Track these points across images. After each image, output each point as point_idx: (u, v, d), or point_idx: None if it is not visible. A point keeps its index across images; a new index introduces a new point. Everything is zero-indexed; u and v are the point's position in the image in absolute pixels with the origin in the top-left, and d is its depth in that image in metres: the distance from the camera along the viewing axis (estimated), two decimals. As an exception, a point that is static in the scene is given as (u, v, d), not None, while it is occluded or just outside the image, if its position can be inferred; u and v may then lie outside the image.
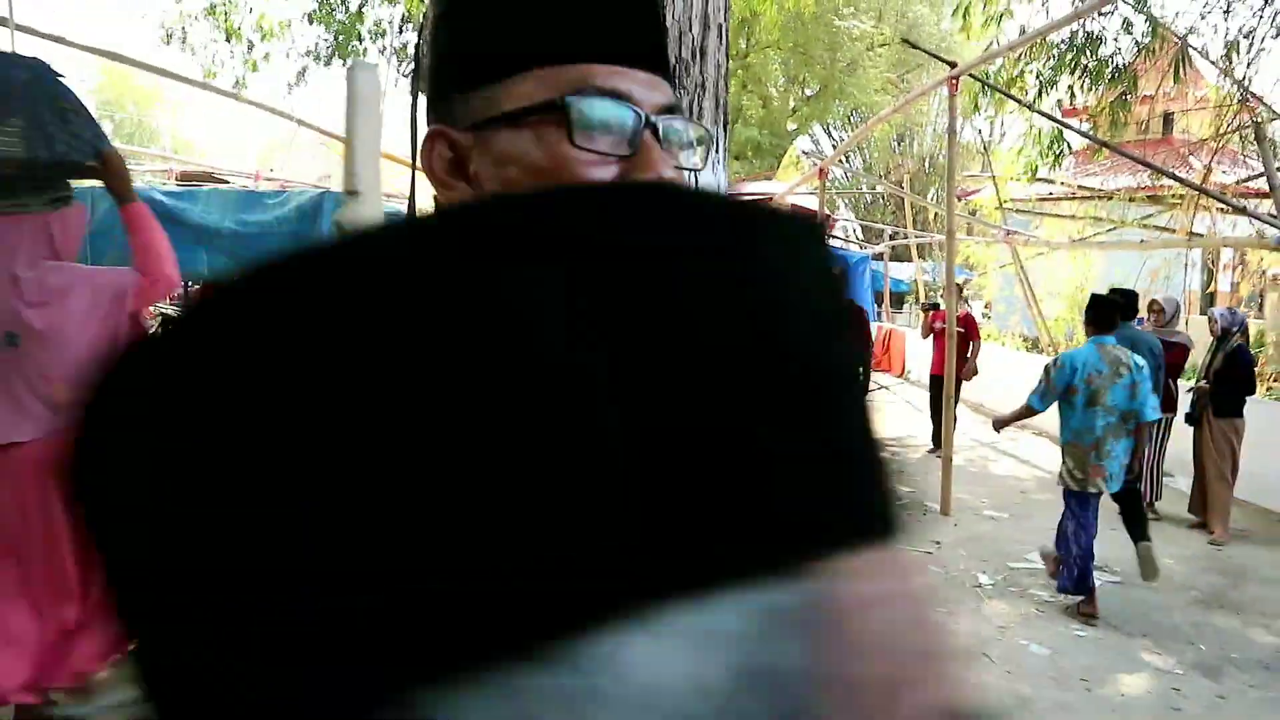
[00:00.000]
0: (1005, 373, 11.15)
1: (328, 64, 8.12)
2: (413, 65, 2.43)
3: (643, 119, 0.68)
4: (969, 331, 9.14)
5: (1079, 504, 4.90)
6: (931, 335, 9.27)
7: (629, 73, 0.68)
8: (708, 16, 2.11)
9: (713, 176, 2.18)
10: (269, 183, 9.91)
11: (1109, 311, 5.08)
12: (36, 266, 2.60)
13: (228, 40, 8.64)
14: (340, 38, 7.70)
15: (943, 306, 9.16)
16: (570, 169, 0.67)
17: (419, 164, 0.82)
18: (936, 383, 9.11)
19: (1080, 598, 4.95)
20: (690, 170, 0.74)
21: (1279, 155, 8.32)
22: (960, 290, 9.46)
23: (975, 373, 9.33)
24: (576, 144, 0.66)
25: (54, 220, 2.65)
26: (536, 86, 0.68)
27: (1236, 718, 3.86)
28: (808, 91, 24.41)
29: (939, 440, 9.09)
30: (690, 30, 2.07)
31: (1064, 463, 5.03)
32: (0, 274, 2.56)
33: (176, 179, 10.65)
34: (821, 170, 12.46)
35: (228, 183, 10.19)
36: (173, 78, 6.54)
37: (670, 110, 0.71)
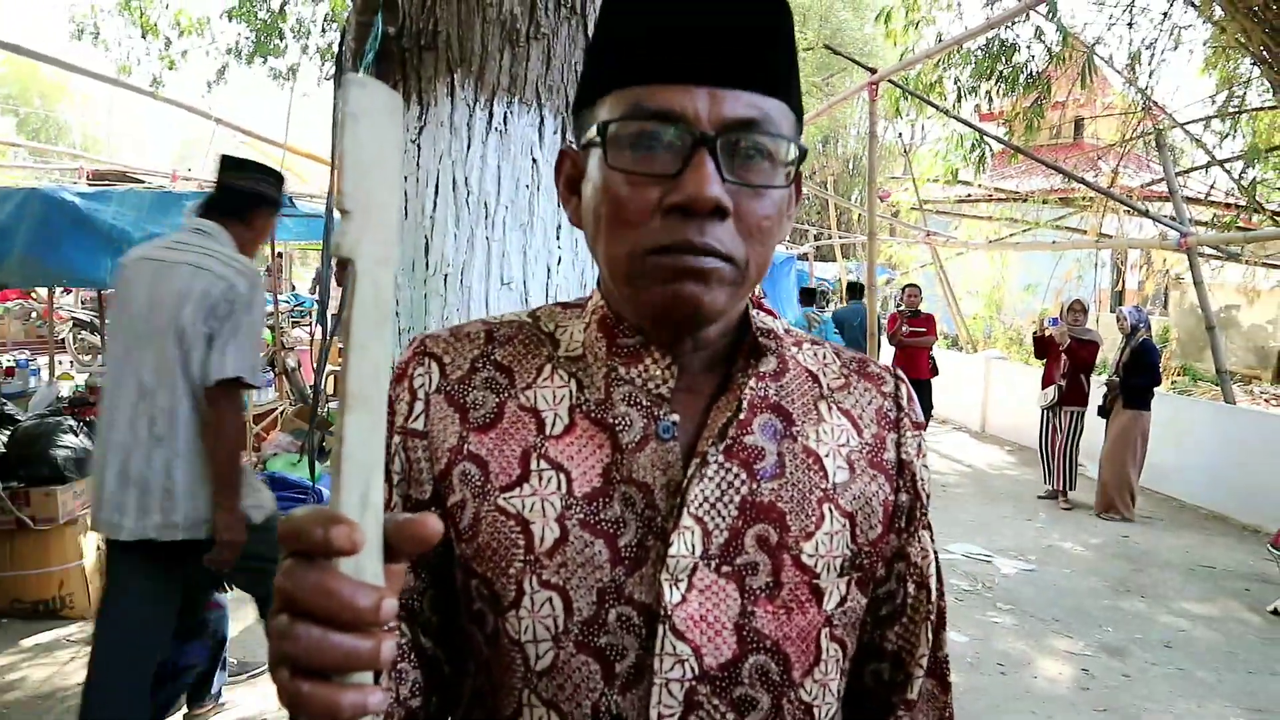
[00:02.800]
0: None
1: (249, 62, 7.93)
2: (335, 66, 2.42)
3: (693, 138, 0.67)
4: (929, 333, 9.09)
5: None
6: (897, 342, 9.05)
7: (692, 90, 0.67)
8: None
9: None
10: (186, 183, 9.63)
11: (810, 295, 11.42)
12: None
13: (144, 36, 8.38)
14: (261, 36, 7.54)
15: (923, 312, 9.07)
16: (613, 189, 0.70)
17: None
18: None
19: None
20: (767, 187, 0.70)
21: (1178, 161, 8.74)
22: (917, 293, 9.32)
23: (936, 373, 9.22)
24: (610, 165, 0.69)
25: None
26: (608, 109, 0.71)
27: (1141, 694, 4.07)
28: (735, 93, 24.59)
29: None
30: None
31: None
32: None
33: (88, 178, 10.27)
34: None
35: (142, 182, 9.86)
36: (84, 74, 6.33)
37: (746, 126, 0.68)
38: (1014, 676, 4.24)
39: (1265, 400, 13.63)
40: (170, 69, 8.50)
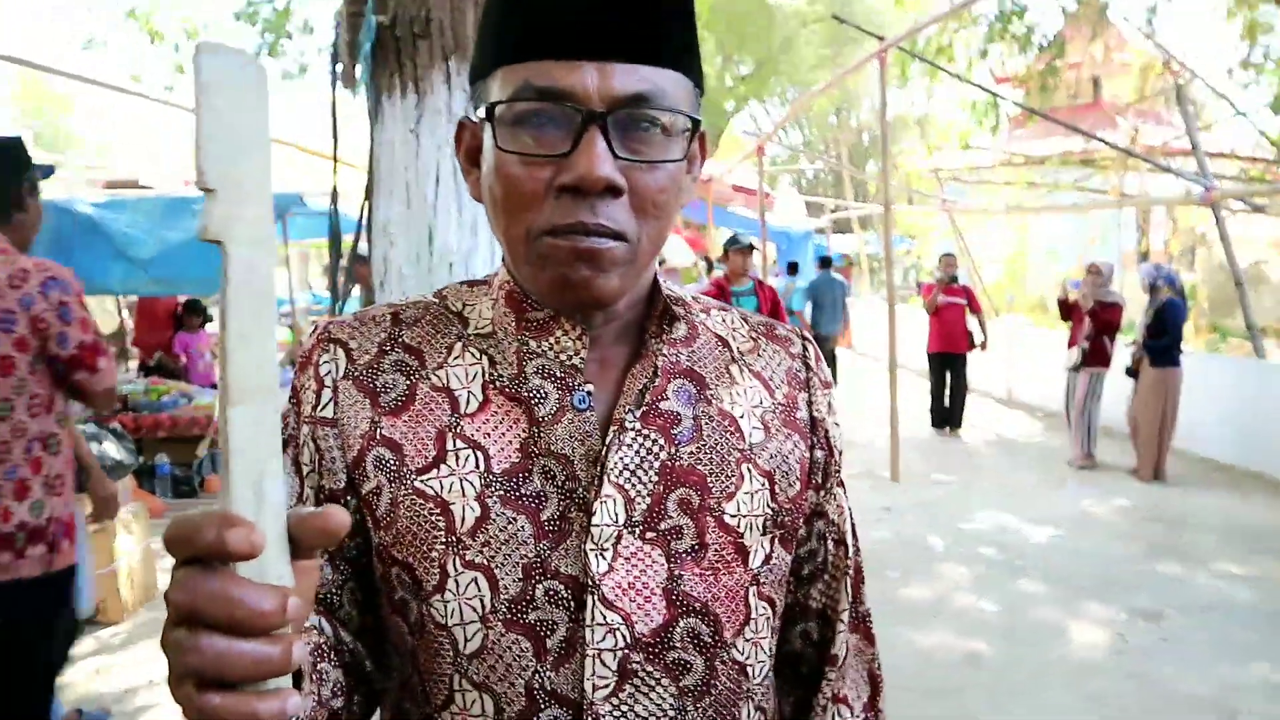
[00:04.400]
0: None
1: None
2: (332, 62, 2.40)
3: (582, 115, 0.66)
4: (971, 304, 9.03)
5: None
6: (935, 311, 8.98)
7: (581, 66, 0.66)
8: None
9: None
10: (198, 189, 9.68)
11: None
12: None
13: (151, 43, 8.41)
14: (269, 36, 7.53)
15: (960, 281, 9.01)
16: (505, 169, 0.69)
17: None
18: (937, 360, 8.93)
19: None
20: (664, 161, 0.69)
21: (1200, 116, 8.56)
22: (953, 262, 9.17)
23: (974, 346, 9.10)
24: (500, 147, 0.68)
25: None
26: (499, 85, 0.69)
27: (1180, 659, 4.02)
28: (743, 70, 24.47)
29: (943, 419, 9.01)
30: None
31: None
32: None
33: (103, 187, 10.36)
34: (759, 147, 12.54)
35: (152, 188, 9.94)
36: (93, 84, 6.37)
37: (637, 100, 0.67)
38: (1048, 646, 4.19)
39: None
40: (181, 74, 8.54)
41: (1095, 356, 7.50)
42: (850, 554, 0.87)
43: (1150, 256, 16.26)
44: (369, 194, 2.18)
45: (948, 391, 9.07)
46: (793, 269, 12.72)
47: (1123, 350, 7.59)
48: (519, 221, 0.69)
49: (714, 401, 0.78)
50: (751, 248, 6.61)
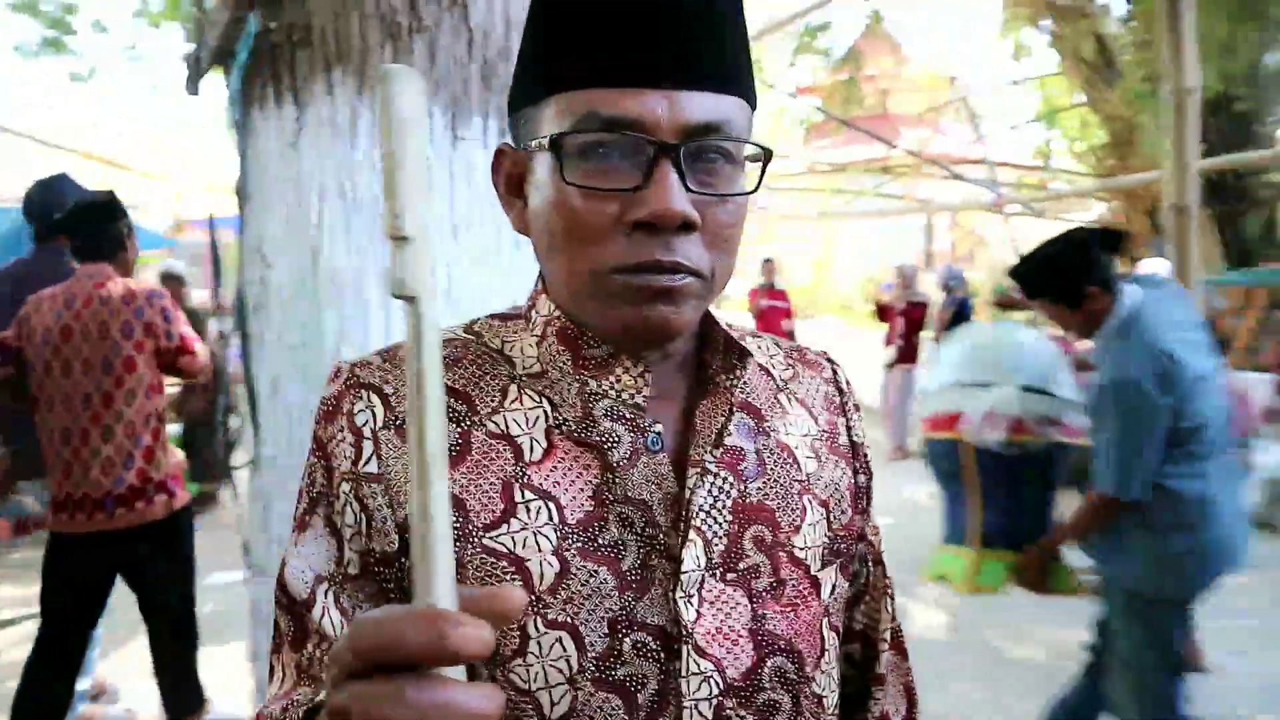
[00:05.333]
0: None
1: (37, 58, 7.15)
2: (190, 68, 2.22)
3: (654, 147, 0.63)
4: (788, 306, 9.36)
5: None
6: (759, 314, 9.22)
7: (648, 94, 0.63)
8: (509, 16, 2.08)
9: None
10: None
11: None
12: None
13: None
14: (53, 31, 6.80)
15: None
16: (570, 203, 0.65)
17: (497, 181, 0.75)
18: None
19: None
20: (734, 195, 0.67)
21: (979, 129, 9.40)
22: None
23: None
24: (568, 181, 0.64)
25: None
26: (557, 113, 0.65)
27: (1007, 628, 4.37)
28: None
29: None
30: (495, 31, 2.04)
31: None
32: None
33: None
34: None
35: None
36: None
37: (708, 131, 0.64)
38: (894, 626, 4.46)
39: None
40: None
41: (905, 354, 8.07)
42: (887, 572, 0.88)
43: (936, 257, 17.65)
44: (240, 211, 2.03)
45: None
46: None
47: (928, 346, 8.20)
48: (584, 257, 0.65)
49: (771, 434, 0.76)
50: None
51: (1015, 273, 2.66)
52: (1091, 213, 11.76)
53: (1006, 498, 3.93)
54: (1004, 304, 7.98)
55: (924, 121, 14.40)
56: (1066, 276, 2.47)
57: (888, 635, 0.88)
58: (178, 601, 3.03)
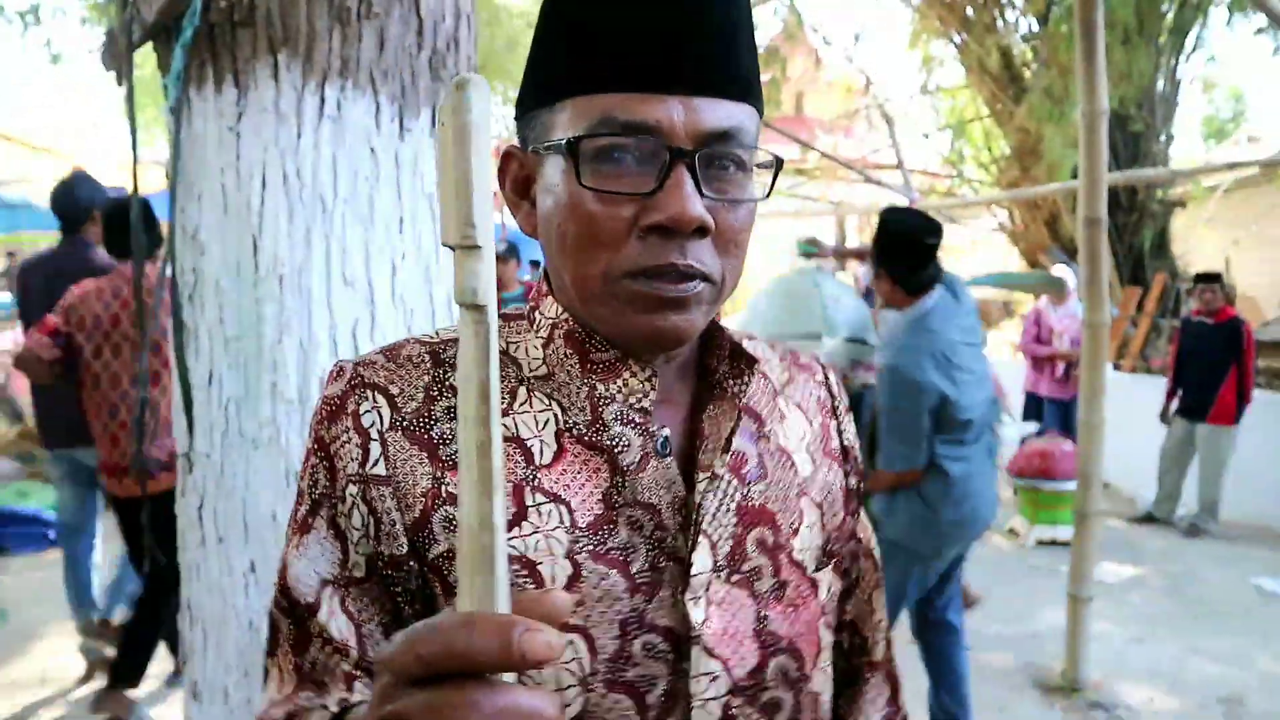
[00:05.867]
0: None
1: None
2: (108, 42, 2.11)
3: (670, 153, 0.63)
4: None
5: None
6: None
7: (665, 100, 0.63)
8: (459, 7, 2.05)
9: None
10: None
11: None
12: None
13: None
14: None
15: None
16: (583, 206, 0.65)
17: (487, 176, 0.74)
18: None
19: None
20: (747, 200, 0.68)
21: (893, 135, 9.66)
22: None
23: None
24: (583, 184, 0.64)
25: None
26: (571, 116, 0.65)
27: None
28: (471, 66, 24.10)
29: None
30: (444, 21, 2.01)
31: None
32: None
33: None
34: (498, 150, 12.48)
35: None
36: None
37: (723, 138, 0.65)
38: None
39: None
40: None
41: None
42: (877, 566, 0.91)
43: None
44: (171, 196, 1.95)
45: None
46: (535, 265, 13.01)
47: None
48: (595, 261, 0.66)
49: (771, 437, 0.78)
50: (512, 252, 6.58)
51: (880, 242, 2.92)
52: (994, 219, 12.20)
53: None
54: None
55: (838, 126, 14.75)
56: (911, 259, 2.79)
57: (881, 625, 0.90)
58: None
